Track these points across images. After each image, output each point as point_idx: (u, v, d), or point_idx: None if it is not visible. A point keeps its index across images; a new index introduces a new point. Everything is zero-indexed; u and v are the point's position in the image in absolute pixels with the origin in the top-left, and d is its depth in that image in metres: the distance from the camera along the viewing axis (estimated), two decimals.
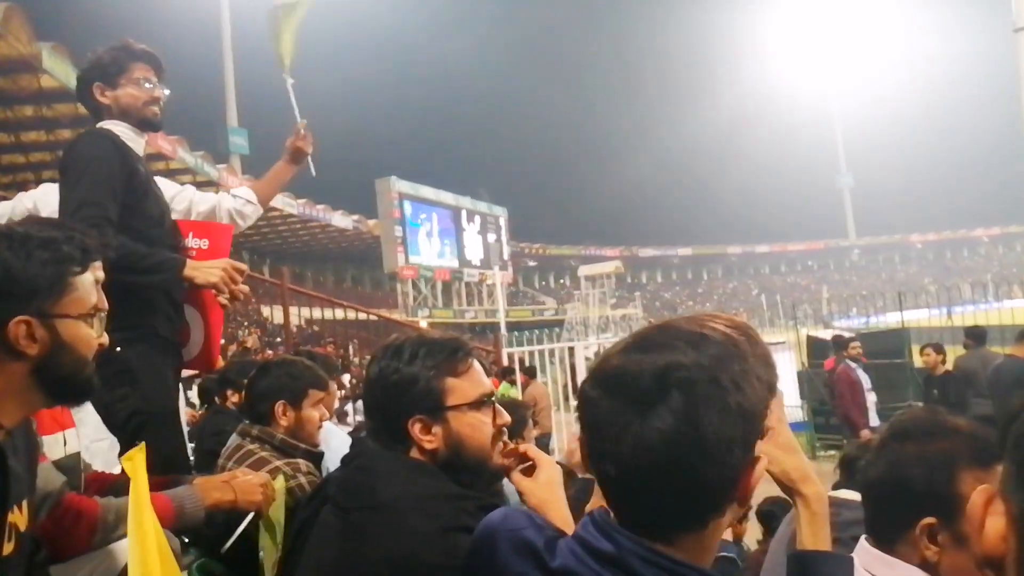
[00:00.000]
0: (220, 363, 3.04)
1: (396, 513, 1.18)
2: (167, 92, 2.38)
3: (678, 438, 0.73)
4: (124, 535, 1.52)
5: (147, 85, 2.32)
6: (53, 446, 1.65)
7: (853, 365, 7.44)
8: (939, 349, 7.29)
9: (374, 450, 1.32)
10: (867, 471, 1.19)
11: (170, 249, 2.34)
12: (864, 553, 1.16)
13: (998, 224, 77.44)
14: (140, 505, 1.29)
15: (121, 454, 2.11)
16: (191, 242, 2.49)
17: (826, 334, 12.73)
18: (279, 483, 1.84)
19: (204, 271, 2.18)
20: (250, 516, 1.73)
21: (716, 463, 0.74)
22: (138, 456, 1.36)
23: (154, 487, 1.69)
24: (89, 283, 1.30)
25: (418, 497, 1.20)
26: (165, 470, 2.04)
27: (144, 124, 2.35)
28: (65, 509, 1.46)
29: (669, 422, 0.73)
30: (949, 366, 7.06)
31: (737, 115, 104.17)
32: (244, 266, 2.27)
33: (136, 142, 2.34)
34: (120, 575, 1.54)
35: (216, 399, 3.55)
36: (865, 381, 7.32)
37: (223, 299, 2.26)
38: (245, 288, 2.31)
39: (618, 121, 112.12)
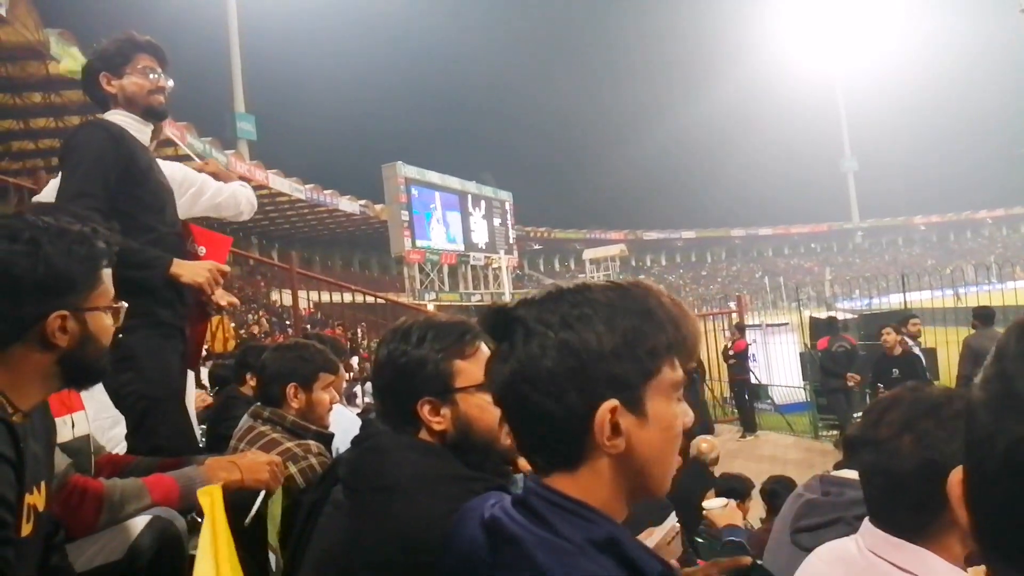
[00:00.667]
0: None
1: (405, 494, 1.19)
2: (171, 83, 2.39)
3: (508, 369, 0.82)
4: (131, 515, 1.54)
5: (152, 75, 2.34)
6: (61, 428, 1.66)
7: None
8: (898, 330, 7.34)
9: (384, 431, 1.32)
10: (888, 462, 1.11)
11: (174, 237, 2.38)
12: (870, 535, 1.14)
13: (1002, 206, 76.83)
14: (216, 542, 1.30)
15: (128, 435, 2.14)
16: (189, 247, 2.54)
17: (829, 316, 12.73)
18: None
19: (190, 270, 2.22)
20: (263, 494, 1.74)
21: (544, 393, 0.80)
22: (216, 493, 1.38)
23: (162, 468, 1.70)
24: (110, 276, 1.32)
25: (427, 478, 1.20)
26: (172, 451, 2.07)
27: (150, 113, 2.37)
28: (70, 490, 1.47)
29: (506, 355, 0.83)
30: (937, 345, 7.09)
31: (741, 98, 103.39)
32: (228, 268, 2.33)
33: (141, 132, 2.36)
34: (127, 552, 1.55)
35: (233, 383, 3.56)
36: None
37: (210, 309, 2.34)
38: (234, 300, 2.40)
39: (622, 105, 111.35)
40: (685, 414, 0.85)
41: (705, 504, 2.76)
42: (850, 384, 8.72)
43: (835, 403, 9.22)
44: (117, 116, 2.32)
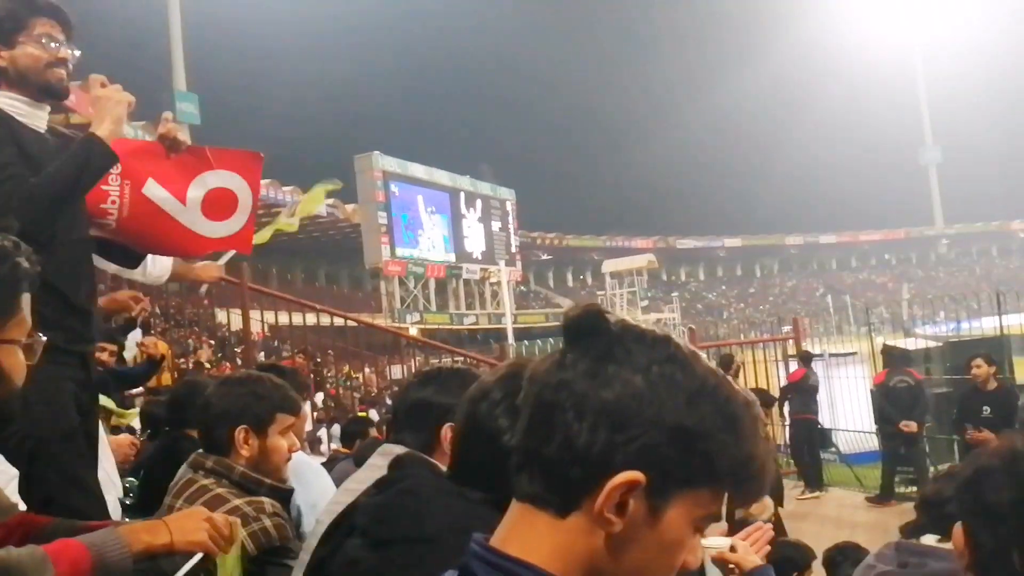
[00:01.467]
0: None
1: (447, 546, 1.18)
2: (77, 53, 2.40)
3: (562, 376, 0.89)
4: None
5: (52, 45, 2.34)
6: None
7: None
8: (990, 360, 7.40)
9: (424, 473, 1.35)
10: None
11: (78, 245, 2.43)
12: None
13: None
14: None
15: (21, 484, 2.16)
16: (111, 182, 2.58)
17: (908, 343, 12.71)
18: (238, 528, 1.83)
19: (104, 114, 2.31)
20: (194, 559, 1.71)
21: (579, 415, 0.85)
22: None
23: (74, 532, 1.68)
24: (29, 303, 1.33)
25: (468, 531, 1.21)
26: (67, 500, 2.08)
27: (46, 91, 2.37)
28: None
29: (570, 362, 0.90)
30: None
31: (798, 75, 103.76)
32: (132, 98, 2.41)
33: (34, 116, 2.36)
34: None
35: (172, 427, 3.57)
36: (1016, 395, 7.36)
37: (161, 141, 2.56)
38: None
39: (651, 85, 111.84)
40: (694, 551, 0.88)
41: (704, 543, 2.59)
42: (904, 431, 8.86)
43: (892, 452, 9.28)
44: (2, 101, 2.32)
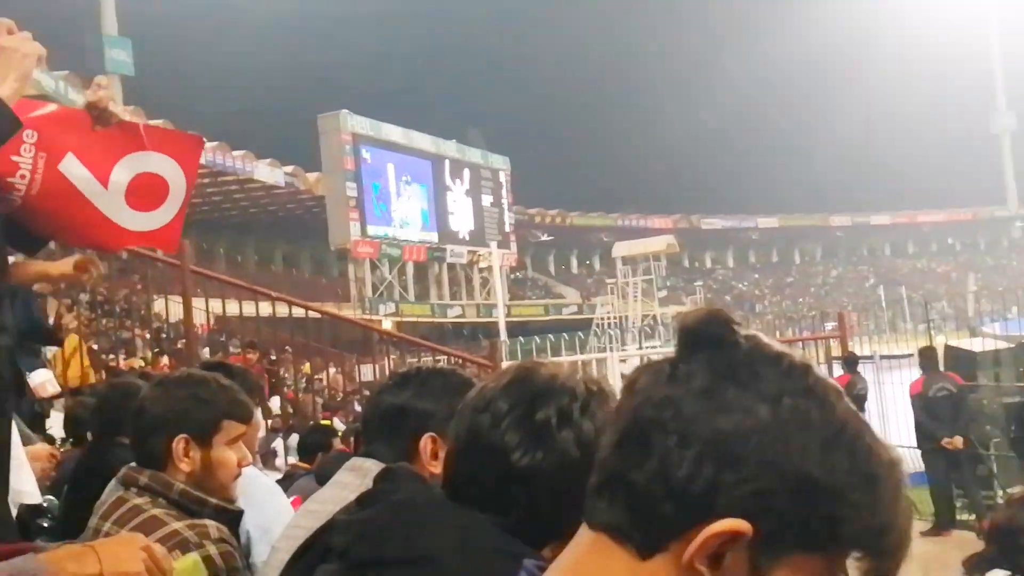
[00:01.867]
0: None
1: (447, 568, 1.20)
2: None
3: (668, 392, 0.87)
4: None
5: None
6: None
7: None
8: None
9: (418, 487, 1.37)
10: None
11: None
12: None
13: None
14: None
15: None
16: (23, 153, 2.54)
17: (974, 343, 12.75)
18: (188, 559, 1.83)
19: (8, 70, 2.21)
20: None
21: (683, 443, 0.84)
22: None
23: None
24: None
25: (474, 551, 1.22)
26: None
27: None
28: None
29: (682, 376, 0.88)
30: None
31: (848, 33, 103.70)
32: (43, 53, 2.31)
33: None
34: None
35: (103, 434, 3.57)
36: None
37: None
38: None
39: (673, 38, 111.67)
40: None
41: None
42: (948, 447, 8.98)
43: (935, 471, 9.33)
44: None
